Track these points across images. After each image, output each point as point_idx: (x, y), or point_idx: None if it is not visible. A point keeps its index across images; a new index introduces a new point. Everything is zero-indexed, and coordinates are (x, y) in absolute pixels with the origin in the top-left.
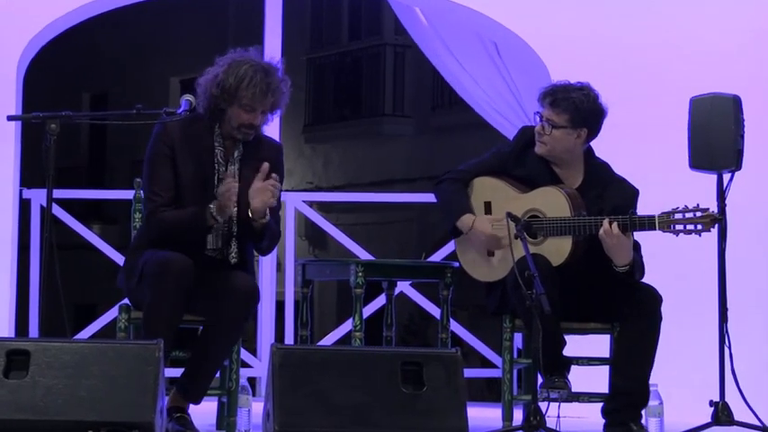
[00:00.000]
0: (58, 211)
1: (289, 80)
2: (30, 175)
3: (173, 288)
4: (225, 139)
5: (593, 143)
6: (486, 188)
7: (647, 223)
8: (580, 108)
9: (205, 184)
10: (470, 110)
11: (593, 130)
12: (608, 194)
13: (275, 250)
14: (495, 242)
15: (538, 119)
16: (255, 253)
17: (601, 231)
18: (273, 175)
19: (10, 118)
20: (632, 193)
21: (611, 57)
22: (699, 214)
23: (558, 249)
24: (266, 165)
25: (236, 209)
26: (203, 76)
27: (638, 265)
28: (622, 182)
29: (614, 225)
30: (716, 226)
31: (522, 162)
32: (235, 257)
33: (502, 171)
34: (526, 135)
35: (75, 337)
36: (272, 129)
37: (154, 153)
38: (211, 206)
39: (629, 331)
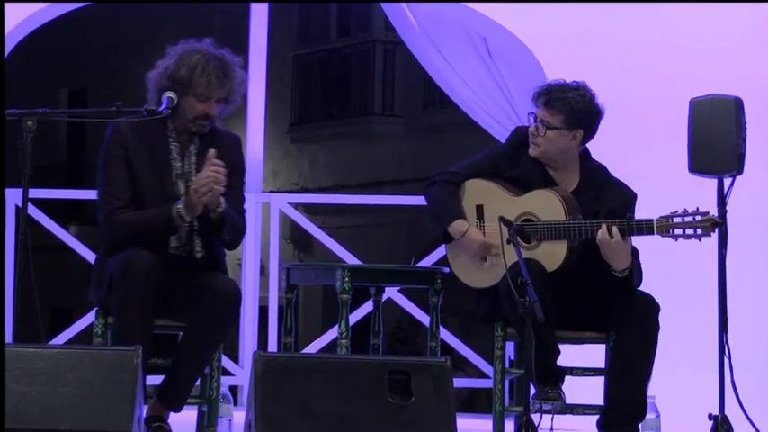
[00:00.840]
0: (33, 211)
1: (243, 69)
2: (4, 173)
3: (139, 286)
4: (179, 134)
5: (589, 145)
6: (478, 191)
7: (645, 227)
8: (575, 108)
9: (162, 181)
10: (461, 109)
11: (589, 132)
12: (604, 197)
13: (257, 252)
14: (488, 250)
15: (532, 119)
16: (226, 251)
17: (598, 236)
18: (216, 161)
19: None
20: (630, 197)
21: (609, 54)
22: (698, 218)
23: (552, 254)
24: (212, 152)
25: None
26: (153, 70)
27: (636, 271)
28: (619, 185)
29: (614, 229)
30: (716, 231)
31: (515, 164)
32: (200, 251)
33: (494, 173)
34: (520, 136)
35: (51, 342)
36: (256, 127)
37: (108, 155)
38: (178, 205)
39: (626, 340)
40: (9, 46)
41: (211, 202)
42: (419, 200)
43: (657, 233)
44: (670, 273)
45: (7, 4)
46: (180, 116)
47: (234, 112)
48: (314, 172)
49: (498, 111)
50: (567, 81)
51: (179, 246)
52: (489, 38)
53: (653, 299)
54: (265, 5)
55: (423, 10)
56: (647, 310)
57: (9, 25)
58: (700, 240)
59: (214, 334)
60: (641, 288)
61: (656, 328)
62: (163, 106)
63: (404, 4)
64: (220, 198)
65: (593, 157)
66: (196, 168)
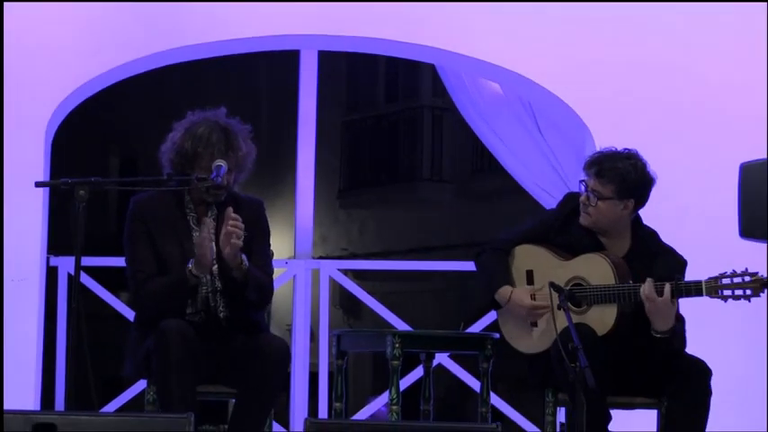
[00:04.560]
0: (85, 278)
1: (250, 131)
2: (57, 241)
3: (177, 355)
4: (196, 205)
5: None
6: (528, 256)
7: (694, 289)
8: (627, 179)
9: (183, 250)
10: (511, 175)
11: (641, 200)
12: (655, 265)
13: (308, 319)
14: (536, 313)
15: (583, 187)
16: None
17: (645, 289)
18: (233, 214)
19: (38, 184)
20: (680, 264)
21: (657, 118)
22: (747, 279)
23: (602, 318)
24: (229, 209)
25: (216, 266)
26: (164, 143)
27: (678, 335)
28: (670, 252)
29: (665, 287)
30: (765, 291)
31: (566, 230)
32: (223, 311)
33: (545, 239)
34: (571, 202)
35: (103, 409)
36: (305, 194)
37: (131, 232)
38: (189, 264)
39: (678, 406)
40: (61, 117)
41: (232, 256)
42: (467, 265)
43: (706, 294)
44: (720, 337)
45: (57, 76)
46: (194, 187)
47: (284, 180)
48: (363, 237)
49: (545, 180)
50: (618, 149)
51: (194, 312)
52: (535, 103)
53: (705, 364)
54: (314, 70)
55: (470, 75)
56: (700, 376)
57: (60, 97)
58: (749, 301)
59: (266, 393)
60: (693, 352)
61: (709, 393)
62: (214, 174)
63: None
64: (242, 256)
65: (645, 221)
66: (215, 234)
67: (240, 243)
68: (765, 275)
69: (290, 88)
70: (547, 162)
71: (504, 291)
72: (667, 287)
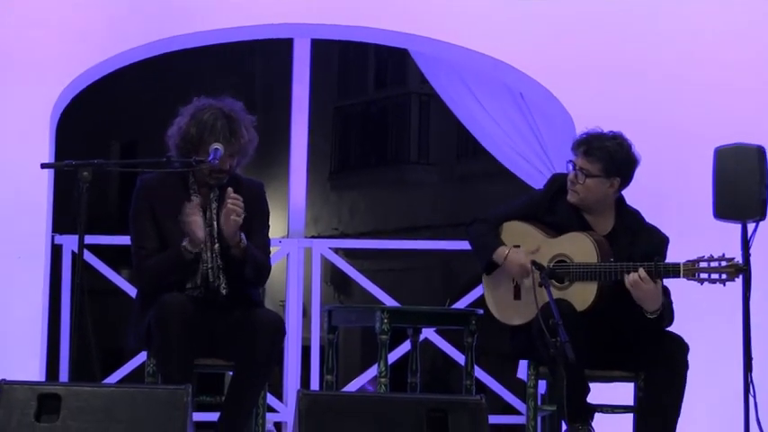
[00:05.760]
0: (88, 256)
1: (253, 120)
2: (61, 221)
3: (176, 329)
4: (200, 187)
5: (623, 191)
6: (515, 232)
7: (672, 271)
8: (614, 157)
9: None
10: (494, 158)
11: (626, 179)
12: (638, 241)
13: (300, 295)
14: (528, 272)
15: (570, 167)
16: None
17: (630, 279)
18: (233, 194)
19: (44, 166)
20: (662, 241)
21: (636, 107)
22: (724, 264)
23: (582, 295)
24: (230, 189)
25: (217, 244)
26: (170, 127)
27: (667, 311)
28: (652, 229)
29: (641, 271)
30: (740, 276)
31: (552, 209)
32: (225, 288)
33: (532, 217)
34: (557, 182)
35: (105, 381)
36: (299, 176)
37: (135, 210)
38: (184, 242)
39: (656, 380)
40: (65, 101)
41: (231, 234)
42: (453, 245)
43: (684, 276)
44: (697, 314)
45: (62, 62)
46: (198, 171)
47: (278, 162)
48: (353, 218)
49: (534, 157)
50: (604, 130)
51: (193, 287)
52: (523, 90)
53: (682, 339)
54: (307, 58)
55: (458, 62)
56: (677, 350)
57: (65, 82)
58: (724, 285)
59: (262, 366)
60: (671, 329)
61: (686, 367)
62: (211, 157)
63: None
64: (241, 234)
65: (628, 202)
66: (217, 215)
67: (239, 221)
68: (740, 261)
69: (284, 75)
70: (535, 139)
71: (502, 250)
72: (641, 270)
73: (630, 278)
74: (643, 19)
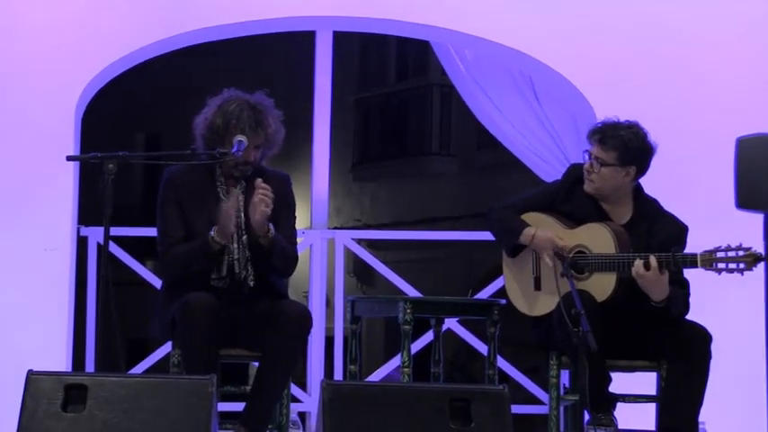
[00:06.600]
0: (113, 248)
1: (280, 113)
2: (87, 212)
3: (200, 326)
4: (226, 179)
5: (641, 180)
6: (534, 223)
7: (689, 261)
8: (629, 146)
9: (211, 220)
10: (508, 149)
11: (642, 168)
12: (656, 230)
13: (323, 286)
14: (557, 245)
15: (586, 156)
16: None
17: (634, 269)
18: (262, 184)
19: (69, 158)
20: (681, 230)
21: (656, 93)
22: (741, 253)
23: (602, 285)
24: (258, 179)
25: (245, 236)
26: (197, 116)
27: (677, 301)
28: (671, 218)
29: (652, 262)
30: (758, 265)
31: (570, 199)
32: (252, 280)
33: (550, 207)
34: (574, 172)
35: (130, 371)
36: (321, 167)
37: (163, 201)
38: (211, 232)
39: (678, 369)
40: (90, 94)
41: (260, 223)
42: (473, 235)
43: (701, 267)
44: (720, 304)
45: (88, 55)
46: (224, 162)
47: (300, 154)
48: (375, 209)
49: (545, 151)
50: (620, 119)
51: (219, 278)
52: (535, 78)
53: (705, 329)
54: (329, 51)
55: (471, 52)
56: (700, 340)
57: (90, 74)
58: (742, 274)
59: (288, 356)
60: (695, 319)
61: (708, 357)
62: (234, 149)
63: (452, 50)
64: (269, 224)
65: (646, 191)
66: (243, 206)
67: (268, 211)
68: (759, 251)
69: (306, 67)
70: (546, 133)
71: (528, 230)
72: (652, 259)
73: (635, 267)
74: (667, 5)
